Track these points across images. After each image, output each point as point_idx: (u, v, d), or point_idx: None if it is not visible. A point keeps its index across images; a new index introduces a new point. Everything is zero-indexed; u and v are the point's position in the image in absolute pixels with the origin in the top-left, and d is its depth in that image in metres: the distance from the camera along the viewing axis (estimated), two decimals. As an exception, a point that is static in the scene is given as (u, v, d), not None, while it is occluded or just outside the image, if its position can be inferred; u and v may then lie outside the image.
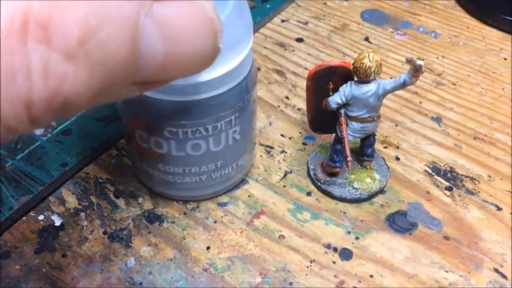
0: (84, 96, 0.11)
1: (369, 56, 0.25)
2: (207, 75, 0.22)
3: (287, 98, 0.35)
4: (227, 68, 0.22)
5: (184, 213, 0.28)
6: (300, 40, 0.40)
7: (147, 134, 0.24)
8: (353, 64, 0.25)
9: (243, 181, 0.29)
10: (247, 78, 0.24)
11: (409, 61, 0.24)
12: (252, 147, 0.28)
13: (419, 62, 0.23)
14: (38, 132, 0.31)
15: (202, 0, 0.12)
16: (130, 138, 0.26)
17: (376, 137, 0.29)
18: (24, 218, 0.27)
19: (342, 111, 0.27)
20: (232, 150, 0.26)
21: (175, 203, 0.28)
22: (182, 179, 0.26)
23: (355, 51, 0.39)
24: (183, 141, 0.24)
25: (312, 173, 0.29)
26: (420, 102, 0.35)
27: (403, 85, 0.25)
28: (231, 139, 0.25)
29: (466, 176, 0.30)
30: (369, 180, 0.28)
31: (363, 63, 0.25)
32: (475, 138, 0.32)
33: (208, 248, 0.26)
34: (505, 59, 0.39)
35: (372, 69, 0.25)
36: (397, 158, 0.31)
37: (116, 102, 0.26)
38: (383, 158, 0.30)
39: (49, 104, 0.10)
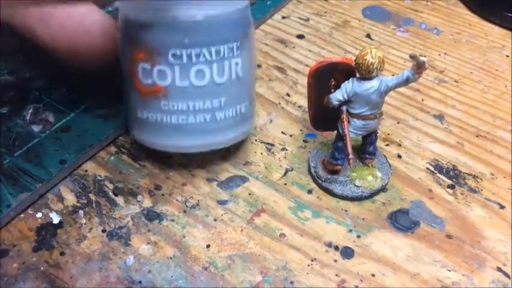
0: None
1: (371, 52, 0.25)
2: None
3: (288, 95, 0.35)
4: None
5: (184, 211, 0.27)
6: (300, 37, 0.40)
7: (151, 64, 0.25)
8: (355, 60, 0.25)
9: (243, 179, 0.29)
10: (246, 9, 0.26)
11: (412, 57, 0.23)
12: (252, 103, 0.29)
13: (422, 59, 0.23)
14: (36, 129, 0.30)
15: None
16: (132, 80, 0.26)
17: (378, 135, 0.28)
18: (22, 215, 0.27)
19: (344, 108, 0.27)
20: (235, 89, 0.26)
21: (174, 200, 0.28)
22: (186, 119, 0.26)
23: (356, 48, 0.39)
24: (187, 67, 0.25)
25: (313, 170, 0.29)
26: (422, 100, 0.35)
27: (406, 82, 0.25)
28: (234, 73, 0.26)
29: (468, 174, 0.30)
30: (370, 178, 0.28)
31: (365, 60, 0.25)
32: (477, 136, 0.32)
33: (208, 246, 0.26)
34: (508, 56, 0.39)
35: (375, 66, 0.25)
36: (399, 156, 0.31)
37: (119, 39, 0.27)
38: (385, 156, 0.30)
39: None
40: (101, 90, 0.32)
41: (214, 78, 0.25)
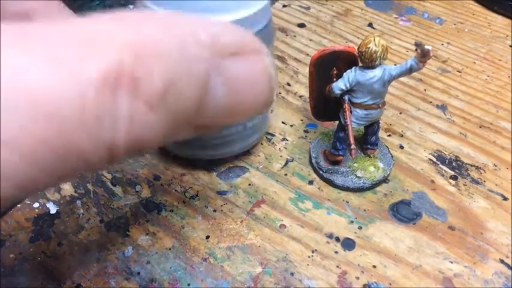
0: (157, 140, 0.13)
1: (374, 40, 0.24)
2: (223, 17, 0.23)
3: (288, 84, 0.34)
4: (242, 14, 0.24)
5: (183, 202, 0.27)
6: (301, 26, 0.39)
7: None
8: (358, 48, 0.25)
9: (243, 169, 0.29)
10: (264, 30, 0.25)
11: (417, 45, 0.23)
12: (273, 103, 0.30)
13: (427, 47, 0.23)
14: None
15: (264, 55, 0.14)
16: None
17: (380, 125, 0.28)
18: (18, 205, 0.26)
19: (346, 97, 0.26)
20: None
21: (174, 191, 0.27)
22: (220, 133, 0.27)
23: (358, 37, 0.38)
24: None
25: (314, 161, 0.28)
26: (425, 90, 0.34)
27: (409, 71, 0.24)
28: None
29: (471, 165, 0.29)
30: (372, 168, 0.28)
31: (369, 48, 0.24)
32: (480, 127, 0.32)
33: (207, 237, 0.25)
34: (511, 46, 0.38)
35: (378, 54, 0.24)
36: (401, 147, 0.30)
37: None
38: (387, 147, 0.29)
39: (129, 148, 0.12)
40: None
41: None
